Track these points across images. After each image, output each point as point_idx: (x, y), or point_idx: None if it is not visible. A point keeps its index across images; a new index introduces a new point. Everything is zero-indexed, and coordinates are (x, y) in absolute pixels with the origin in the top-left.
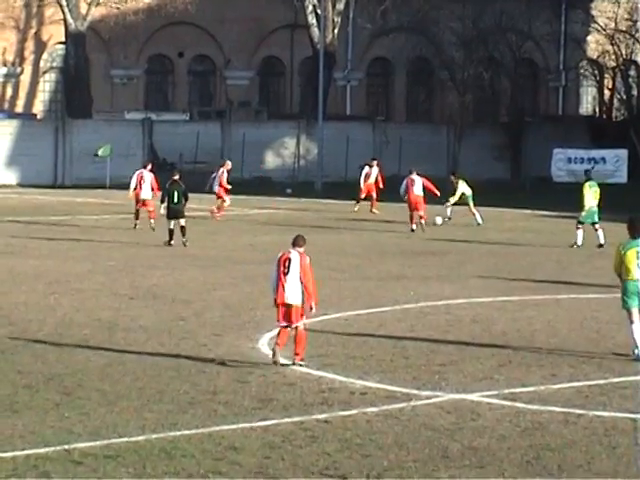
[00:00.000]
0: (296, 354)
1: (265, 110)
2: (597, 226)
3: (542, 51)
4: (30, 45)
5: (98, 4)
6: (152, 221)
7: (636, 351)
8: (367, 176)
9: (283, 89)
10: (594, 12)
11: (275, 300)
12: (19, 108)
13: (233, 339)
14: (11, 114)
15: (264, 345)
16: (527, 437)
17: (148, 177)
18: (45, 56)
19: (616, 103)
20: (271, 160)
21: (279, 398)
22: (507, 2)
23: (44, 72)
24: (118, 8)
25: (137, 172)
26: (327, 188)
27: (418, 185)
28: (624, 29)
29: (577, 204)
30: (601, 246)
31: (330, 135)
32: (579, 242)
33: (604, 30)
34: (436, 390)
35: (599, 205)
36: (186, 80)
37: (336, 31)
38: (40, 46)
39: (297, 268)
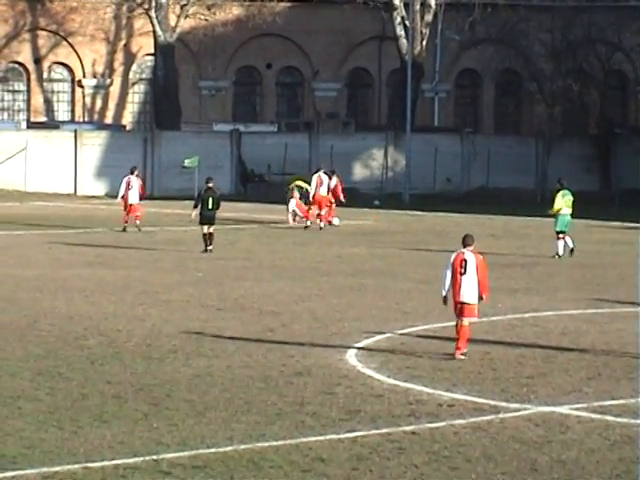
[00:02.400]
0: (457, 348)
1: (353, 122)
2: (562, 236)
3: (632, 62)
4: (119, 57)
5: (187, 16)
6: (138, 222)
7: None
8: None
9: (371, 101)
10: None
11: (444, 298)
12: (108, 119)
13: (321, 350)
14: (100, 125)
15: (352, 357)
16: (617, 450)
17: (135, 183)
18: (134, 67)
19: None
20: (359, 171)
21: (366, 410)
22: (596, 13)
23: (133, 83)
24: (207, 20)
25: (125, 178)
26: (415, 200)
27: (325, 186)
28: None
29: None
30: (572, 251)
31: (418, 147)
32: (560, 252)
33: None
34: (524, 402)
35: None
36: (274, 92)
37: (424, 43)
38: (129, 58)
39: (473, 268)
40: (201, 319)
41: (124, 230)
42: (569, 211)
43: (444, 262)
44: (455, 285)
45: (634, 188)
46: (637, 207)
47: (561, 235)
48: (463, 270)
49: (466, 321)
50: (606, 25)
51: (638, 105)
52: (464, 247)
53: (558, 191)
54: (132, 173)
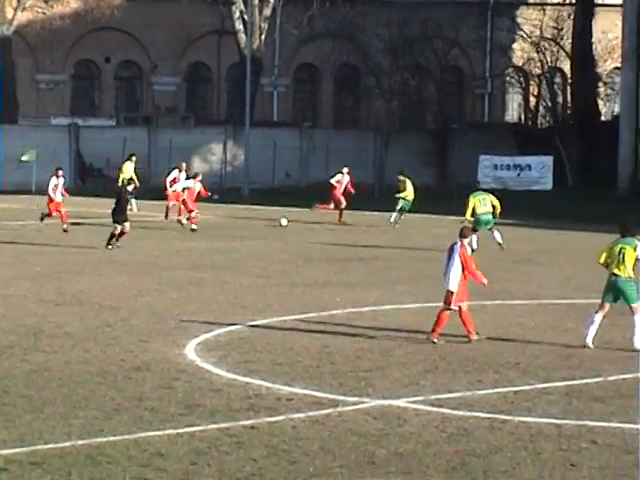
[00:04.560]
0: (468, 332)
1: (192, 116)
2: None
3: (468, 58)
4: None
5: (24, 9)
6: (65, 224)
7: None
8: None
9: (210, 95)
10: (520, 19)
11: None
12: None
13: (159, 345)
14: None
15: (190, 351)
16: (453, 443)
17: (60, 182)
18: None
19: (541, 110)
20: (198, 166)
21: (205, 404)
22: (433, 9)
23: None
24: (44, 13)
25: (51, 183)
26: (254, 194)
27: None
28: (549, 37)
29: (503, 211)
30: (500, 245)
31: (257, 141)
32: (475, 247)
33: (530, 38)
34: (362, 396)
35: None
36: (113, 85)
37: (263, 37)
38: None
39: (457, 257)
40: (39, 314)
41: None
42: (485, 209)
43: (281, 256)
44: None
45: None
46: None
47: (478, 233)
48: (448, 259)
49: (464, 306)
50: (443, 21)
51: (474, 100)
52: (459, 238)
53: (470, 194)
54: (56, 175)
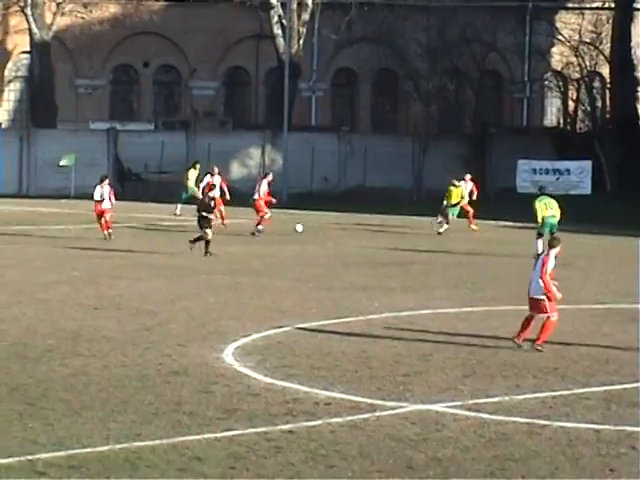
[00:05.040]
0: (537, 338)
1: (230, 120)
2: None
3: (507, 62)
4: None
5: (63, 14)
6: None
7: None
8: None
9: (248, 99)
10: (558, 24)
11: None
12: None
13: (197, 349)
14: None
15: (228, 355)
16: (491, 448)
17: (106, 191)
18: (10, 65)
19: (580, 115)
20: (236, 170)
21: (243, 408)
22: (471, 13)
23: (9, 81)
24: (83, 18)
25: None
26: (292, 198)
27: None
28: (588, 41)
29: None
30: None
31: (295, 146)
32: (539, 252)
33: (568, 42)
34: (400, 401)
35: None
36: (151, 90)
37: (301, 42)
38: (5, 55)
39: (540, 265)
40: (77, 318)
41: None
42: (551, 213)
43: (319, 260)
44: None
45: (509, 187)
46: (511, 206)
47: (542, 237)
48: (534, 266)
49: (553, 316)
50: (481, 25)
51: (513, 105)
52: (549, 247)
53: (535, 198)
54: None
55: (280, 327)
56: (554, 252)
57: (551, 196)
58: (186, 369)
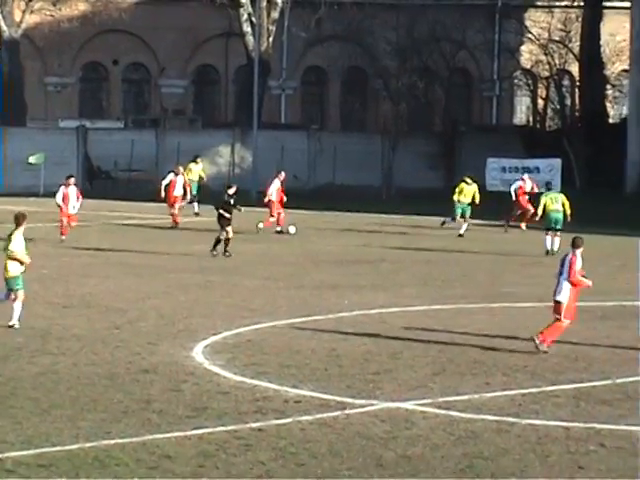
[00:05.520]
0: (540, 332)
1: (200, 118)
2: (552, 233)
3: (476, 61)
4: None
5: (32, 12)
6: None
7: None
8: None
9: (218, 98)
10: (528, 22)
11: None
12: None
13: (167, 348)
14: None
15: (198, 353)
16: (460, 445)
17: (71, 192)
18: None
19: (549, 113)
20: (206, 168)
21: (213, 407)
22: (441, 12)
23: None
24: (52, 16)
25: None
26: (261, 196)
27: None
28: (557, 39)
29: (511, 213)
30: (553, 253)
31: (265, 144)
32: (548, 247)
33: (538, 40)
34: (370, 399)
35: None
36: (120, 88)
37: (271, 39)
38: None
39: (567, 267)
40: (47, 317)
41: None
42: (555, 207)
43: (289, 259)
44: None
45: (478, 185)
46: (481, 204)
47: (551, 232)
48: (561, 269)
49: (565, 322)
50: (451, 23)
51: (482, 103)
52: (572, 247)
53: (542, 195)
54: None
55: (250, 325)
56: (579, 252)
57: (557, 192)
58: (156, 367)
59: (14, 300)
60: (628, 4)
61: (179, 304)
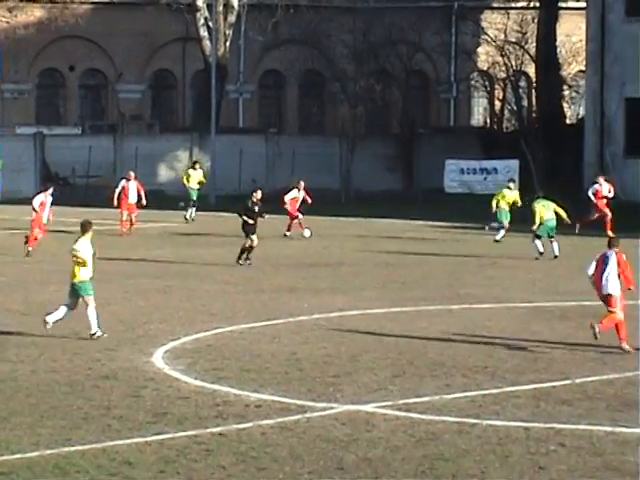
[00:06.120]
0: (600, 322)
1: (157, 123)
2: (553, 239)
3: (433, 63)
4: None
5: None
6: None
7: None
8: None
9: (175, 102)
10: (484, 24)
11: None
12: None
13: (127, 353)
14: None
15: (158, 359)
16: (421, 447)
17: (49, 201)
18: None
19: (507, 114)
20: (164, 173)
21: (174, 412)
22: (397, 14)
23: None
24: (8, 22)
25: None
26: (220, 201)
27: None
28: (514, 40)
29: (469, 214)
30: (556, 257)
31: (223, 148)
32: (541, 250)
33: (494, 41)
34: (331, 402)
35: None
36: (77, 94)
37: (228, 44)
38: None
39: (614, 264)
40: (5, 324)
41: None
42: (549, 215)
43: (252, 263)
44: (600, 280)
45: (436, 187)
46: (439, 206)
47: (544, 239)
48: (603, 266)
49: (619, 313)
50: (407, 26)
51: (440, 105)
52: (609, 248)
53: (533, 201)
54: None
55: (210, 330)
56: (618, 250)
57: (547, 198)
58: (115, 373)
59: (86, 307)
60: (583, 4)
61: (138, 309)
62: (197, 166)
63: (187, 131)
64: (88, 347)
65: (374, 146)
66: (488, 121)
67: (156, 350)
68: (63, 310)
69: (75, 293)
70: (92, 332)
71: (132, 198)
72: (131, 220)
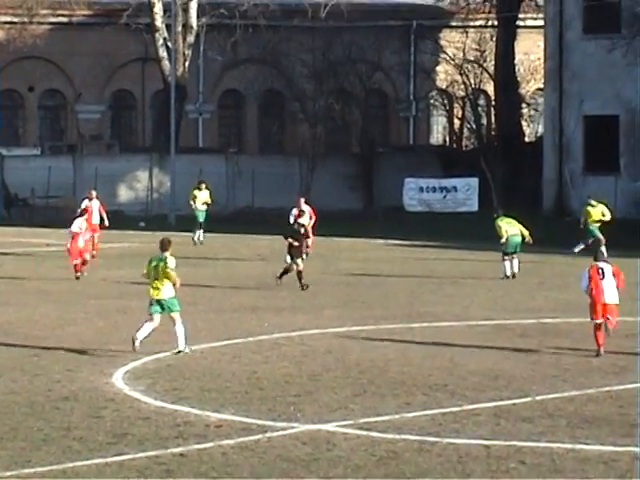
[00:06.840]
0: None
1: (117, 144)
2: (508, 257)
3: (392, 81)
4: None
5: None
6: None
7: None
8: None
9: (135, 122)
10: (443, 42)
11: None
12: None
13: (87, 374)
14: None
15: (118, 379)
16: (382, 466)
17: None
18: None
19: (466, 132)
20: (124, 193)
21: (134, 433)
22: (356, 33)
23: None
24: None
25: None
26: (180, 221)
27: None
28: (472, 59)
29: (429, 233)
30: (514, 276)
31: (183, 168)
32: (508, 273)
33: (453, 60)
34: (291, 421)
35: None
36: (37, 115)
37: (187, 64)
38: None
39: (611, 275)
40: None
41: None
42: (514, 232)
43: (209, 282)
44: (597, 290)
45: (396, 205)
46: (399, 224)
47: (508, 257)
48: (602, 276)
49: (614, 321)
50: (366, 45)
51: (399, 123)
52: (595, 261)
53: (496, 219)
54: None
55: (170, 350)
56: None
57: (509, 215)
58: (75, 394)
59: (174, 324)
60: (541, 22)
61: (98, 330)
62: (203, 186)
63: (147, 151)
64: (48, 368)
65: (334, 165)
66: (448, 139)
67: (116, 371)
68: (149, 326)
69: (160, 310)
70: (180, 349)
71: (95, 219)
72: (93, 242)
